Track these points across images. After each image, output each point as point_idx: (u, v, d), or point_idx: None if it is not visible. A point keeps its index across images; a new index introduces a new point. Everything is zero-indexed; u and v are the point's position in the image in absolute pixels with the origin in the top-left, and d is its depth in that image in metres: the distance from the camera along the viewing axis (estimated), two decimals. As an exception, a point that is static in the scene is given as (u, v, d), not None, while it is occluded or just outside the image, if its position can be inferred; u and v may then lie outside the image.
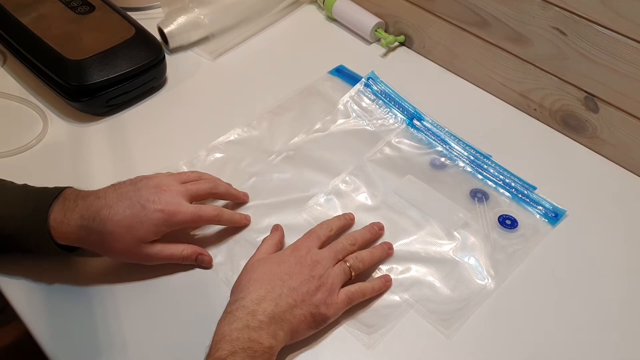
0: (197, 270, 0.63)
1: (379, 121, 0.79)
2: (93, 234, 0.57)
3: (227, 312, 0.53)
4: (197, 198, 0.64)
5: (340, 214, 0.67)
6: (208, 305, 0.61)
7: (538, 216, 0.68)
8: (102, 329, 0.59)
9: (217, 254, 0.64)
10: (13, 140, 0.75)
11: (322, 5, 0.95)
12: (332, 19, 0.95)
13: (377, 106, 0.80)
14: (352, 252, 0.61)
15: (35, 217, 0.57)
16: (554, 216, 0.68)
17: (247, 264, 0.59)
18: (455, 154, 0.74)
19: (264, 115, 0.79)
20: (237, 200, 0.69)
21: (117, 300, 0.61)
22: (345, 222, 0.66)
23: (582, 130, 0.75)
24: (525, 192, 0.70)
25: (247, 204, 0.69)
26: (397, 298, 0.61)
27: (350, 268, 0.59)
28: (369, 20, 0.90)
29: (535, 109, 0.79)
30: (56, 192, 0.59)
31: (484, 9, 0.76)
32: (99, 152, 0.75)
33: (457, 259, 0.64)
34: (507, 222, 0.67)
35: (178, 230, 0.62)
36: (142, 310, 0.60)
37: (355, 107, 0.80)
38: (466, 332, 0.59)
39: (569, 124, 0.76)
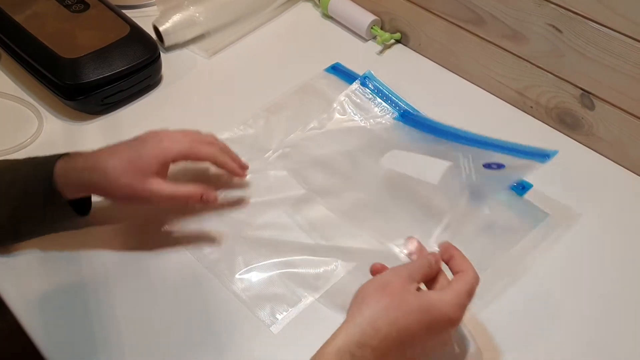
0: (193, 269, 0.63)
1: (376, 119, 0.79)
2: (95, 173, 0.59)
3: (350, 353, 0.46)
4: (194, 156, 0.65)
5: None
6: (204, 304, 0.61)
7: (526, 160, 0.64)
8: (98, 328, 0.58)
9: (213, 252, 0.64)
10: (7, 139, 0.75)
11: (317, 2, 0.95)
12: (327, 16, 0.95)
13: (374, 105, 0.80)
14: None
15: (41, 170, 0.59)
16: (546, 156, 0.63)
17: (395, 287, 0.50)
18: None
19: (260, 113, 0.79)
20: (237, 166, 0.68)
21: (113, 299, 0.61)
22: None
23: (578, 128, 0.75)
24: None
25: (244, 201, 0.69)
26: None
27: None
28: (364, 18, 0.90)
29: (531, 107, 0.79)
30: (59, 154, 0.61)
31: (479, 6, 0.76)
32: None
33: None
34: (493, 166, 0.64)
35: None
36: (137, 309, 0.60)
37: (352, 105, 0.80)
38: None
39: (565, 121, 0.76)
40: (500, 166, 0.64)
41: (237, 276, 0.62)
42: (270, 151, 0.75)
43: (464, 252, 0.55)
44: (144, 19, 0.87)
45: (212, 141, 0.67)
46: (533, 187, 0.71)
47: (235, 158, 0.69)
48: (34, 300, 0.61)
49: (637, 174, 0.73)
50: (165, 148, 0.61)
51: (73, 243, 0.65)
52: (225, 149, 0.68)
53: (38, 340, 0.58)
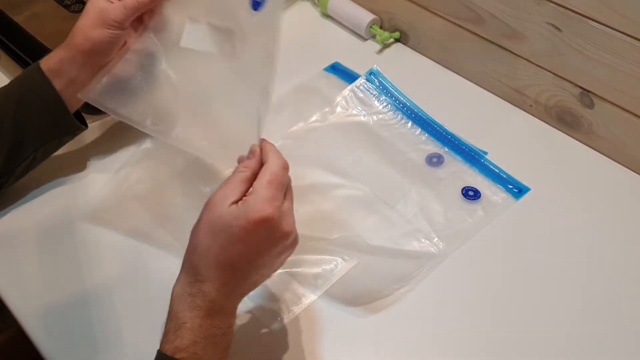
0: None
1: (379, 115, 0.79)
2: (67, 39, 0.63)
3: (187, 294, 0.48)
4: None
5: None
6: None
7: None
8: (99, 331, 0.59)
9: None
10: (7, 140, 0.75)
11: (316, 2, 0.95)
12: (327, 15, 0.95)
13: (378, 101, 0.81)
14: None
15: (29, 72, 0.64)
16: (519, 191, 0.70)
17: (207, 215, 0.49)
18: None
19: (260, 112, 0.79)
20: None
21: (113, 302, 0.61)
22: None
23: (577, 126, 0.75)
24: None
25: None
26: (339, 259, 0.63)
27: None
28: (363, 17, 0.90)
29: (530, 105, 0.79)
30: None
31: (479, 5, 0.76)
32: (95, 151, 0.74)
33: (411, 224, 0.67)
34: (470, 194, 0.70)
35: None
36: (138, 311, 0.60)
37: (355, 100, 0.81)
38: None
39: (564, 120, 0.77)
40: (476, 194, 0.69)
41: (237, 276, 0.62)
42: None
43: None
44: (143, 19, 0.86)
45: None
46: (531, 190, 0.71)
47: None
48: (36, 304, 0.61)
49: (637, 172, 0.73)
50: None
51: (74, 246, 0.65)
52: None
53: (40, 343, 0.58)
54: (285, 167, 0.51)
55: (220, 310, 0.49)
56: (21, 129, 0.64)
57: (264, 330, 0.59)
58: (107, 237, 0.66)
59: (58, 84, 0.64)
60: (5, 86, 0.66)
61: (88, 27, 0.63)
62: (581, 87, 0.72)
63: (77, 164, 0.73)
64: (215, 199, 0.49)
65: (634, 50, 0.64)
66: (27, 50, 0.79)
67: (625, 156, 0.73)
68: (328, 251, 0.64)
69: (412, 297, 0.62)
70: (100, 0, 0.63)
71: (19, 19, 0.81)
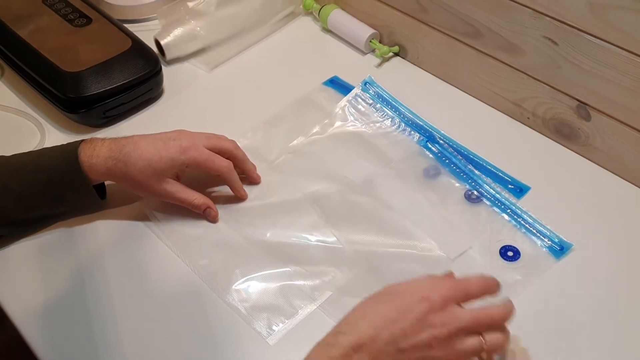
0: (192, 281, 0.64)
1: (377, 124, 0.80)
2: (119, 163, 0.63)
3: (326, 343, 0.49)
4: (215, 150, 0.68)
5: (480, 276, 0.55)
6: (202, 315, 0.61)
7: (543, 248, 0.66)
8: (99, 339, 0.59)
9: (210, 264, 0.65)
10: (10, 152, 0.75)
11: (317, 16, 0.96)
12: (327, 30, 0.96)
13: (374, 110, 0.81)
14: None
15: (66, 156, 0.63)
16: (560, 249, 0.66)
17: (384, 289, 0.52)
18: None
19: (259, 126, 0.80)
20: (250, 175, 0.72)
21: (112, 311, 0.61)
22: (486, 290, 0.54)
23: (574, 138, 0.76)
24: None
25: (243, 208, 0.71)
26: None
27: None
28: (363, 31, 0.91)
29: (528, 118, 0.80)
30: (80, 140, 0.65)
31: (476, 20, 0.77)
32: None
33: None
34: (509, 254, 0.66)
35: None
36: (137, 320, 0.61)
37: (353, 111, 0.81)
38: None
39: (561, 132, 0.77)
40: (515, 254, 0.65)
41: (233, 287, 0.63)
42: (273, 156, 0.76)
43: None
44: (145, 33, 0.88)
45: (231, 150, 0.70)
46: (531, 189, 0.72)
47: (249, 169, 0.72)
48: (35, 312, 0.61)
49: (634, 184, 0.73)
50: (184, 154, 0.65)
51: (74, 255, 0.66)
52: (241, 160, 0.71)
53: (38, 351, 0.58)
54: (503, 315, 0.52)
55: None
56: (43, 206, 0.65)
57: (259, 342, 0.59)
58: (107, 241, 0.66)
59: (95, 179, 0.64)
60: (37, 162, 0.64)
61: (140, 172, 0.64)
62: (578, 100, 0.72)
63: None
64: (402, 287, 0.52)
65: (629, 64, 0.65)
66: (31, 63, 0.80)
67: (622, 167, 0.73)
68: (325, 263, 0.65)
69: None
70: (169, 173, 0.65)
71: (23, 33, 0.82)
